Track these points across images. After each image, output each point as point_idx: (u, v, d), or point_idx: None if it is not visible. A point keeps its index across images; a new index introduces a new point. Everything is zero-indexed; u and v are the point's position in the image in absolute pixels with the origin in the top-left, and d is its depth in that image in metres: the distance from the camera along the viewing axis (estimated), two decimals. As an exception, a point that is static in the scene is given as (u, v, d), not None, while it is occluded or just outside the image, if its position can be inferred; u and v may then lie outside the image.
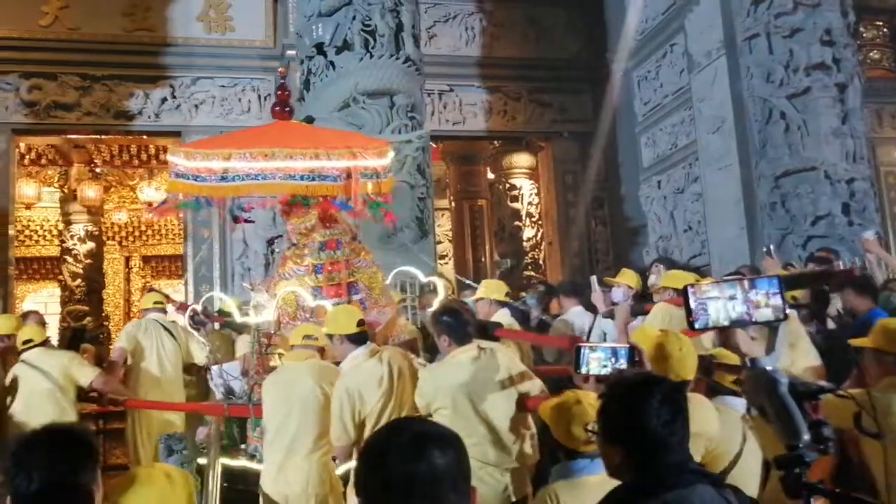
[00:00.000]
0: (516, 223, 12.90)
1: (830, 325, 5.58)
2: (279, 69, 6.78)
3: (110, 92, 10.24)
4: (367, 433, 3.68)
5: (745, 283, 1.96)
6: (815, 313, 5.35)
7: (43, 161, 14.33)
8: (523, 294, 7.28)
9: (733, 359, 3.00)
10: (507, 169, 13.08)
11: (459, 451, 1.47)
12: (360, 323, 4.03)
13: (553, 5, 11.42)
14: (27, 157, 13.53)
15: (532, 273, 12.42)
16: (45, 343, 5.99)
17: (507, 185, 13.09)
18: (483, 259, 13.88)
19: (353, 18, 7.66)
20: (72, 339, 6.90)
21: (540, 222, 12.77)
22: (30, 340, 5.79)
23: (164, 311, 6.75)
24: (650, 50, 10.72)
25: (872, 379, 3.23)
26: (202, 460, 4.81)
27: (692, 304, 1.96)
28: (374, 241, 7.42)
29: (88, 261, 14.21)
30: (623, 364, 2.71)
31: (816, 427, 1.81)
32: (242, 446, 4.72)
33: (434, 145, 10.29)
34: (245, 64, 10.55)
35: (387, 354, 3.98)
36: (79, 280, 13.99)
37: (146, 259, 17.44)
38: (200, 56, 10.43)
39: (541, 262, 12.67)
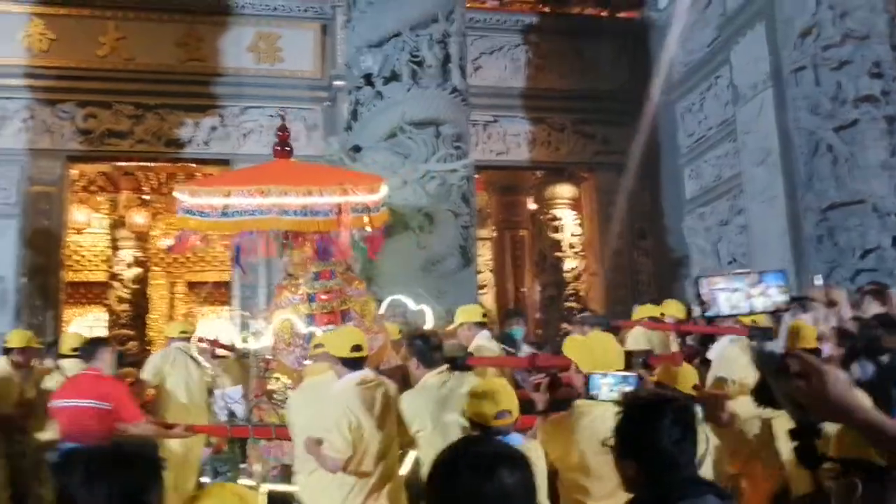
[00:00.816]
0: (557, 254, 12.86)
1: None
2: (280, 112, 7.05)
3: (162, 120, 10.52)
4: (367, 453, 3.73)
5: (753, 275, 2.10)
6: (868, 351, 5.26)
7: (93, 188, 14.71)
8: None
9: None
10: (550, 199, 13.08)
11: (527, 471, 1.47)
12: (357, 348, 3.91)
13: (598, 38, 11.51)
14: (78, 183, 13.89)
15: (573, 304, 12.35)
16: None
17: (550, 216, 13.08)
18: (524, 289, 13.86)
19: (402, 49, 7.77)
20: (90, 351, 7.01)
21: (582, 253, 12.73)
22: (76, 348, 5.93)
23: (189, 340, 6.83)
24: (695, 82, 10.72)
25: None
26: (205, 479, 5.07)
27: (704, 295, 2.08)
28: (416, 269, 7.49)
29: (135, 286, 14.51)
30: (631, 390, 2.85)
31: None
32: (242, 465, 4.94)
33: (476, 175, 10.36)
34: (293, 94, 10.76)
35: (375, 386, 3.91)
36: (125, 305, 14.28)
37: (191, 285, 17.71)
38: (250, 86, 10.70)
39: (582, 293, 12.60)
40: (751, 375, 4.15)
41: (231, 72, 10.68)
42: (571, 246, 12.93)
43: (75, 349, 5.97)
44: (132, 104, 10.46)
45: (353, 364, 3.91)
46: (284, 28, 10.90)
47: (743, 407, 3.66)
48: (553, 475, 3.20)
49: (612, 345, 3.34)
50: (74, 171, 12.39)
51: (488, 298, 14.00)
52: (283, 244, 5.45)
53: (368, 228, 5.32)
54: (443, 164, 7.70)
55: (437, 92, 7.78)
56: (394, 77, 7.80)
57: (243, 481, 4.60)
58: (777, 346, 2.19)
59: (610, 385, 2.89)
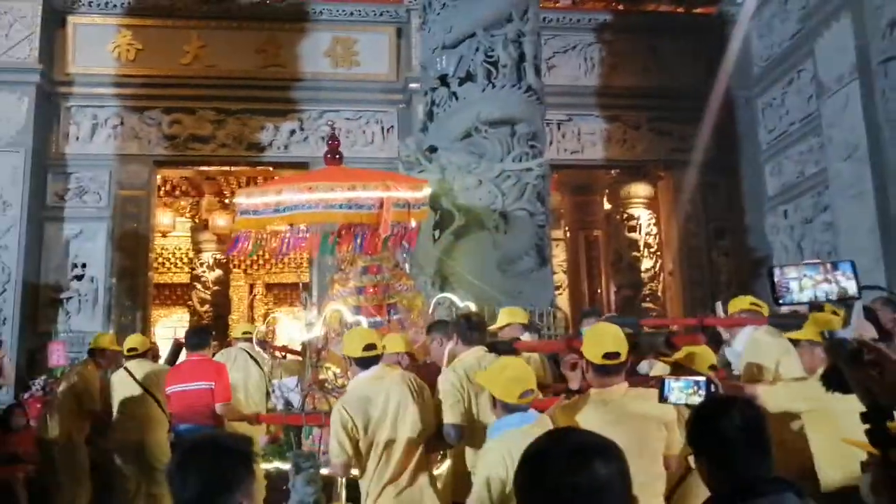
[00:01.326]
0: (634, 253, 12.68)
1: None
2: (329, 121, 7.80)
3: (243, 125, 10.84)
4: (366, 455, 3.70)
5: (825, 265, 2.21)
6: None
7: (177, 192, 15.23)
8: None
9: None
10: (625, 199, 12.91)
11: (622, 462, 1.45)
12: (370, 347, 3.92)
13: (673, 34, 11.33)
14: (163, 188, 14.40)
15: (651, 304, 12.17)
16: (146, 354, 6.56)
17: (625, 216, 12.91)
18: (599, 290, 13.71)
19: (477, 50, 7.80)
20: (173, 354, 7.35)
21: (658, 253, 12.53)
22: (134, 349, 6.41)
23: (251, 340, 7.07)
24: (776, 76, 10.45)
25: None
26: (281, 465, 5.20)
27: (777, 284, 2.21)
28: (491, 268, 7.49)
29: (216, 287, 14.94)
30: (703, 393, 2.87)
31: None
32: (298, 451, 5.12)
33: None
34: (369, 97, 10.96)
35: (389, 382, 3.86)
36: (206, 306, 14.72)
37: (269, 287, 18.13)
38: (327, 90, 10.93)
39: (659, 293, 12.40)
40: (779, 363, 4.20)
41: (309, 76, 10.93)
42: (647, 245, 12.74)
43: (131, 349, 6.43)
44: (214, 110, 10.82)
45: (365, 363, 3.92)
46: (360, 32, 11.10)
47: (772, 398, 3.59)
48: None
49: (609, 329, 3.41)
50: (160, 177, 12.89)
51: (563, 300, 13.89)
52: (334, 240, 5.66)
53: (413, 223, 5.72)
54: (518, 163, 7.70)
55: (512, 91, 7.78)
56: (469, 77, 7.83)
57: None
58: (847, 333, 2.23)
59: (681, 388, 2.93)
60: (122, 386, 6.36)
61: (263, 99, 10.86)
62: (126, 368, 6.40)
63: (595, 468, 1.39)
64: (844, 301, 2.25)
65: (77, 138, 10.64)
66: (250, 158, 11.00)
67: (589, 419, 3.12)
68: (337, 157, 6.10)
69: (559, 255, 15.26)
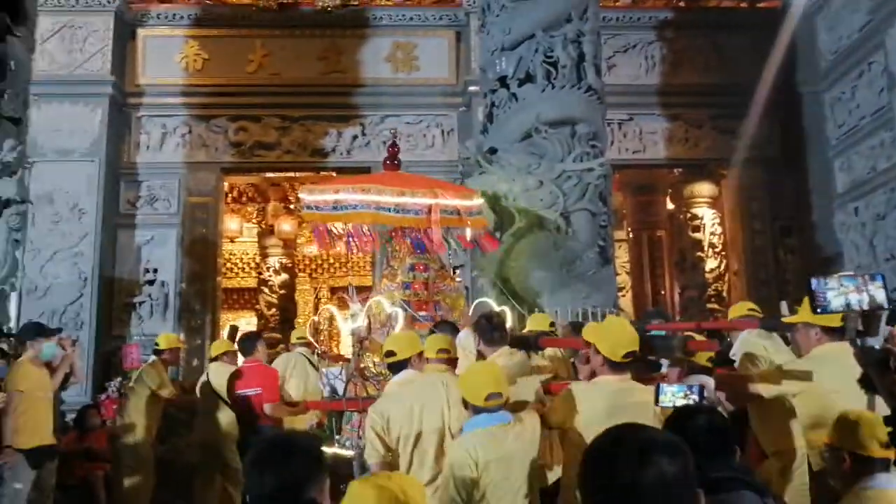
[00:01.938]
0: (698, 254, 12.47)
1: None
2: (392, 129, 8.12)
3: (307, 131, 11.05)
4: (401, 456, 3.69)
5: (863, 277, 2.49)
6: None
7: (244, 199, 15.59)
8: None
9: None
10: (688, 198, 12.70)
11: (687, 459, 1.43)
12: (389, 353, 3.96)
13: (736, 30, 11.11)
14: (230, 195, 14.75)
15: (715, 305, 11.94)
16: (219, 358, 7.03)
17: (689, 215, 12.71)
18: (663, 291, 13.51)
19: (536, 51, 7.82)
20: (230, 337, 7.76)
21: (723, 253, 12.30)
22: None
23: (308, 345, 7.47)
24: (844, 70, 10.16)
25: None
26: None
27: (816, 293, 2.52)
28: (553, 269, 7.48)
29: (282, 291, 15.24)
30: (695, 398, 3.08)
31: None
32: (337, 437, 5.38)
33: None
34: (429, 101, 11.05)
35: (421, 384, 3.85)
36: (273, 309, 15.02)
37: (333, 290, 18.38)
38: (388, 95, 11.05)
39: (724, 293, 12.17)
40: (769, 353, 4.38)
41: (370, 82, 11.07)
42: (712, 245, 12.51)
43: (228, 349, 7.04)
44: (279, 117, 11.05)
45: (394, 367, 3.98)
46: (420, 37, 11.20)
47: (765, 384, 3.69)
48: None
49: (627, 328, 3.61)
50: (227, 183, 13.21)
51: (626, 301, 13.74)
52: (386, 239, 6.21)
53: (468, 231, 6.20)
54: (579, 163, 7.68)
55: (572, 91, 7.77)
56: (528, 78, 7.85)
57: (336, 450, 5.12)
58: (878, 341, 2.51)
59: (674, 392, 3.14)
60: (203, 388, 6.89)
61: (326, 105, 11.05)
62: (206, 373, 7.00)
63: (660, 464, 1.38)
64: (874, 310, 2.51)
65: (147, 147, 10.99)
66: (314, 164, 11.20)
67: (590, 405, 3.35)
68: (395, 162, 6.50)
69: (622, 256, 15.09)
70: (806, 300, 3.64)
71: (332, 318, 6.59)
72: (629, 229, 14.42)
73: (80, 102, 10.55)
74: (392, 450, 3.66)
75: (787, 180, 11.16)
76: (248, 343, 6.52)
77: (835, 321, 3.39)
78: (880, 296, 2.45)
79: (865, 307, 2.48)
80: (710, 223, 12.54)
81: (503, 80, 7.98)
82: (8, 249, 7.47)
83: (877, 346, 2.43)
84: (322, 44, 11.17)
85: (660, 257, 13.77)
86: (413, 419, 3.68)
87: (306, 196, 5.93)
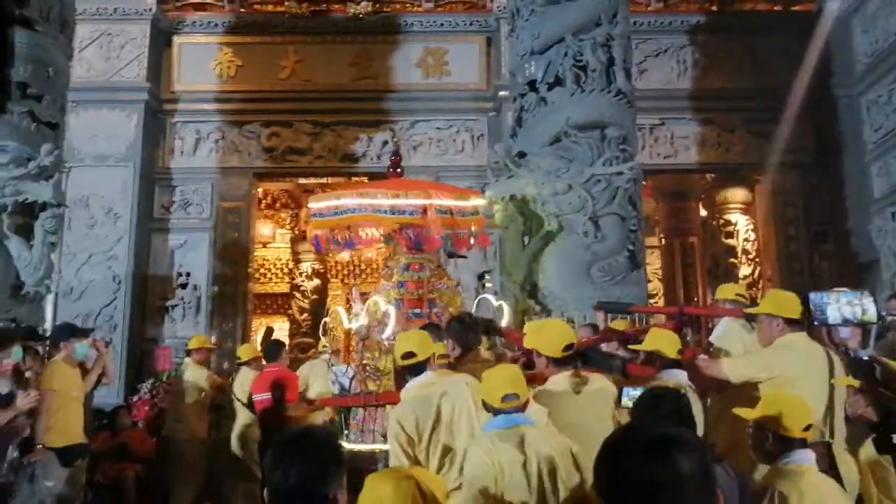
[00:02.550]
0: (731, 260, 12.32)
1: None
2: (394, 139, 8.74)
3: (338, 137, 11.14)
4: (431, 460, 3.59)
5: (856, 294, 2.91)
6: None
7: (277, 205, 15.71)
8: None
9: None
10: (721, 204, 12.57)
11: (705, 457, 1.40)
12: (408, 355, 3.73)
13: (770, 33, 10.97)
14: (264, 201, 14.89)
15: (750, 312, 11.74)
16: (250, 363, 7.32)
17: (722, 221, 12.56)
18: (695, 298, 13.34)
19: (565, 55, 7.78)
20: (265, 340, 7.96)
21: (757, 259, 12.13)
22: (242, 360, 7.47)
23: (335, 353, 7.52)
24: (881, 73, 9.98)
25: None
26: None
27: (814, 307, 2.92)
28: (582, 273, 7.43)
29: (314, 296, 15.32)
30: None
31: None
32: (345, 432, 5.56)
33: (643, 182, 10.11)
34: (459, 106, 11.08)
35: (443, 386, 3.71)
36: (305, 314, 15.11)
37: (364, 295, 18.36)
38: (418, 100, 11.10)
39: (758, 300, 11.94)
40: (744, 349, 4.45)
41: (401, 87, 11.13)
42: (745, 252, 12.36)
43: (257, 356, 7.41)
44: (311, 122, 11.15)
45: (411, 371, 3.77)
46: (451, 43, 11.24)
47: (734, 370, 3.81)
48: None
49: (560, 324, 3.89)
50: (260, 190, 13.34)
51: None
52: (388, 240, 6.44)
53: (474, 228, 6.48)
54: (608, 166, 7.61)
55: (602, 95, 7.71)
56: (557, 82, 7.81)
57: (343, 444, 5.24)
58: (868, 352, 2.92)
59: (633, 397, 3.31)
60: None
61: (357, 111, 11.13)
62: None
63: (676, 462, 1.34)
64: (866, 324, 2.88)
65: (181, 153, 11.15)
66: (345, 169, 11.27)
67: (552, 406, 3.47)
68: (398, 170, 6.90)
69: (654, 263, 14.95)
70: (770, 294, 4.00)
71: (339, 319, 6.76)
72: (661, 236, 14.28)
73: (117, 109, 10.75)
74: (416, 457, 3.56)
75: (823, 185, 11.00)
76: (270, 350, 7.03)
77: (795, 313, 3.58)
78: (872, 311, 2.81)
79: (858, 320, 2.84)
80: (743, 229, 12.40)
81: (532, 84, 7.95)
82: (44, 252, 7.62)
83: (865, 357, 2.84)
84: (353, 50, 11.27)
85: (692, 264, 13.60)
86: (442, 421, 3.60)
87: (313, 204, 6.38)
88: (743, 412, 3.02)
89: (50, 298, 9.05)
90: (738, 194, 12.39)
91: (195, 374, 7.32)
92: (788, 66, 10.56)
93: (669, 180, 13.08)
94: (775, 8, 11.44)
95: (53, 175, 7.58)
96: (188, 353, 7.67)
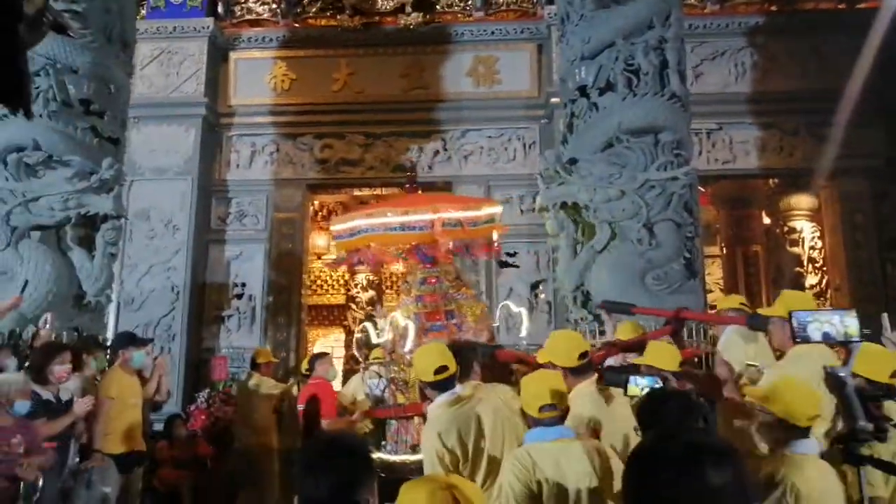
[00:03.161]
0: (797, 269, 11.92)
1: None
2: (409, 159, 9.29)
3: (389, 147, 11.18)
4: (476, 475, 3.44)
5: (837, 313, 2.96)
6: None
7: (333, 217, 15.81)
8: None
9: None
10: (785, 211, 12.19)
11: (739, 467, 1.33)
12: (441, 369, 3.56)
13: (833, 32, 10.57)
14: (320, 213, 15.03)
15: (816, 323, 11.33)
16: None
17: (786, 229, 12.17)
18: (759, 309, 12.93)
19: (616, 59, 7.64)
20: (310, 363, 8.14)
21: (824, 268, 11.70)
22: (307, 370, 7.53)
23: (383, 365, 7.75)
24: (957, 71, 9.52)
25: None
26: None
27: (795, 326, 2.96)
28: (637, 281, 7.25)
29: (369, 308, 15.33)
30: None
31: (877, 421, 2.78)
32: (382, 442, 5.73)
33: (702, 189, 9.85)
34: (510, 114, 11.00)
35: (480, 399, 3.59)
36: (362, 326, 15.10)
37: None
38: (469, 109, 11.07)
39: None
40: (745, 360, 4.44)
41: (451, 97, 11.11)
42: (812, 260, 11.95)
43: (307, 370, 7.55)
44: (363, 134, 11.23)
45: (439, 386, 3.59)
46: (501, 51, 11.18)
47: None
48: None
49: (570, 334, 3.98)
50: (316, 203, 13.49)
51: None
52: (401, 256, 6.71)
53: (495, 237, 6.67)
54: (663, 172, 7.43)
55: (655, 99, 7.53)
56: (609, 87, 7.68)
57: (381, 455, 5.51)
58: (846, 370, 2.94)
59: (642, 385, 3.39)
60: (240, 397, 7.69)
61: (408, 121, 11.15)
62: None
63: (708, 473, 1.28)
64: (847, 343, 2.98)
65: (237, 165, 11.34)
66: (396, 180, 11.28)
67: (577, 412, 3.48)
68: (414, 186, 7.31)
69: (715, 273, 14.58)
70: (782, 294, 4.01)
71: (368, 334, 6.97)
72: (722, 245, 13.92)
73: (175, 123, 10.99)
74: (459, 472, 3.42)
75: (893, 190, 10.54)
76: (312, 362, 7.17)
77: None
78: (854, 328, 2.87)
79: (840, 339, 2.93)
80: (809, 237, 11.99)
81: (583, 90, 7.82)
82: (104, 263, 7.80)
83: (842, 374, 2.90)
84: (405, 61, 11.31)
85: (755, 274, 13.21)
86: (486, 435, 3.47)
87: (334, 227, 6.74)
88: (755, 394, 3.13)
89: (112, 308, 9.30)
90: (802, 201, 12.00)
91: (265, 385, 7.62)
92: (854, 66, 10.16)
93: (730, 187, 12.75)
94: (839, 6, 11.03)
95: (114, 188, 7.76)
96: (254, 365, 7.90)
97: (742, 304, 4.98)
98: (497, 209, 6.75)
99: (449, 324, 6.04)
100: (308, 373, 7.77)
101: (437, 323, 6.03)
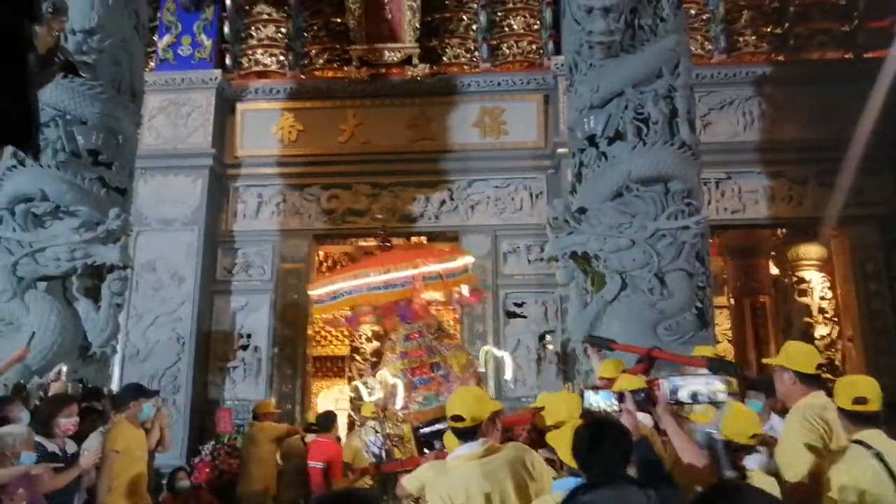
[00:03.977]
0: (806, 319, 11.77)
1: None
2: (382, 227, 9.52)
3: (396, 197, 11.17)
4: None
5: (706, 376, 3.47)
6: None
7: (338, 268, 15.76)
8: None
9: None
10: (794, 261, 12.10)
11: None
12: (457, 418, 3.33)
13: (842, 82, 10.61)
14: (325, 263, 14.97)
15: (828, 375, 11.15)
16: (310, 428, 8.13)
17: (795, 279, 12.07)
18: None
19: (626, 108, 7.62)
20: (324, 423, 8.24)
21: (835, 318, 11.56)
22: (313, 424, 8.20)
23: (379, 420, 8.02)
24: (962, 120, 9.52)
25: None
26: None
27: (666, 386, 3.43)
28: (648, 332, 7.12)
29: (374, 359, 15.16)
30: (615, 407, 3.60)
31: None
32: (385, 497, 5.64)
33: (711, 239, 9.79)
34: (517, 165, 11.01)
35: (495, 463, 3.27)
36: (353, 385, 14.93)
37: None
38: (476, 160, 11.09)
39: (837, 362, 11.38)
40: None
41: (458, 147, 11.14)
42: (822, 311, 11.81)
43: (313, 423, 8.14)
44: (369, 184, 11.23)
45: (462, 434, 3.35)
46: (508, 102, 11.24)
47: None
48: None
49: (565, 395, 3.94)
50: (322, 253, 13.43)
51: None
52: (378, 316, 6.98)
53: (466, 291, 6.91)
54: (673, 220, 7.35)
55: (665, 148, 7.49)
56: (618, 136, 7.64)
57: None
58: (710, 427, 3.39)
59: (598, 400, 3.60)
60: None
61: (415, 171, 11.17)
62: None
63: None
64: (716, 403, 3.44)
65: (244, 216, 11.32)
66: (402, 229, 11.27)
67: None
68: (388, 244, 7.85)
69: (723, 324, 14.45)
70: (786, 345, 3.95)
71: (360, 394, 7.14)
72: (730, 295, 13.81)
73: (182, 174, 11.01)
74: None
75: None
76: (323, 420, 7.59)
77: (810, 367, 3.65)
78: (720, 390, 3.34)
79: (706, 401, 3.36)
80: (818, 287, 11.87)
81: (592, 139, 7.80)
82: (110, 313, 7.72)
83: (712, 432, 3.30)
84: (411, 112, 11.36)
85: (764, 324, 13.08)
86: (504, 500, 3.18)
87: (312, 292, 6.87)
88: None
89: (117, 359, 9.19)
90: (811, 250, 11.92)
91: (266, 430, 8.17)
92: (860, 115, 10.18)
93: (737, 237, 12.69)
94: (846, 55, 11.11)
95: (120, 238, 7.71)
96: (255, 416, 8.30)
97: (716, 354, 5.10)
98: (469, 259, 7.02)
99: (435, 376, 6.20)
100: (315, 426, 7.91)
101: (423, 377, 6.18)
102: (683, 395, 3.36)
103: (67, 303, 7.52)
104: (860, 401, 3.32)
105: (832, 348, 11.57)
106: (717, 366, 4.49)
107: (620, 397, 3.51)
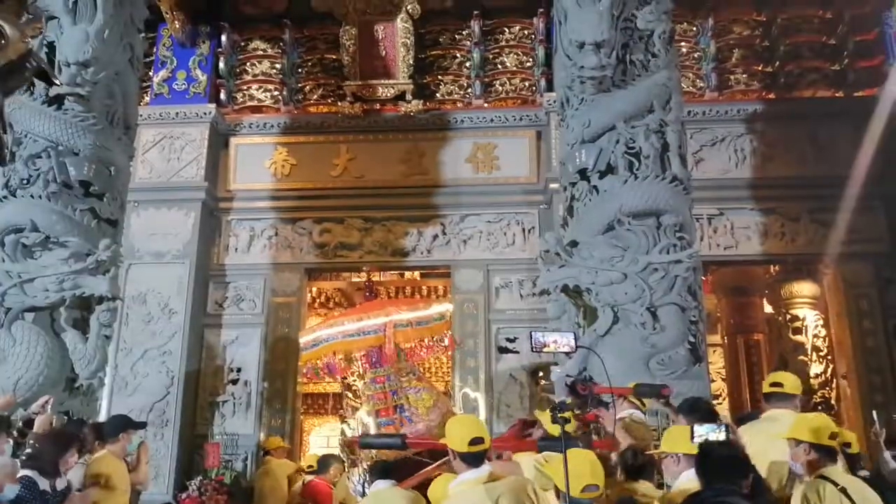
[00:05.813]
0: (801, 358, 11.72)
1: None
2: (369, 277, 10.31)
3: (388, 232, 11.15)
4: None
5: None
6: None
7: (331, 304, 15.71)
8: None
9: None
10: (788, 299, 12.09)
11: None
12: (477, 441, 3.39)
13: (833, 120, 10.69)
14: (318, 300, 14.91)
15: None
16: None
17: (788, 317, 12.04)
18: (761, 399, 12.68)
19: (617, 142, 7.65)
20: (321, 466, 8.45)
21: (829, 356, 11.51)
22: (311, 466, 8.57)
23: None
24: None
25: None
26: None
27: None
28: (640, 367, 7.07)
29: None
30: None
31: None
32: None
33: (703, 277, 9.77)
34: (510, 199, 11.03)
35: (500, 489, 3.31)
36: (341, 429, 14.77)
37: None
38: (468, 195, 11.10)
39: (832, 401, 11.30)
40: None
41: (450, 182, 11.15)
42: (816, 349, 11.77)
43: (311, 466, 8.51)
44: (362, 218, 11.21)
45: (472, 459, 3.40)
46: (500, 137, 11.28)
47: None
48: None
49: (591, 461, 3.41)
50: (315, 288, 13.38)
51: (722, 409, 12.94)
52: (349, 361, 7.67)
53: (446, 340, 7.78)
54: (665, 254, 7.33)
55: (656, 182, 7.50)
56: (609, 170, 7.66)
57: None
58: None
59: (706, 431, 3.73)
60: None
61: (407, 206, 11.15)
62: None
63: None
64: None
65: (236, 249, 11.27)
66: (394, 264, 11.23)
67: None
68: (372, 294, 8.87)
69: (716, 362, 14.38)
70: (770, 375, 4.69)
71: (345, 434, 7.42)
72: (723, 333, 13.77)
73: (175, 208, 10.99)
74: None
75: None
76: (320, 463, 7.93)
77: (822, 437, 3.82)
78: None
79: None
80: (812, 324, 11.84)
81: (583, 173, 7.80)
82: (98, 345, 7.64)
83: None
84: (404, 147, 11.39)
85: (758, 363, 13.04)
86: None
87: (301, 339, 7.54)
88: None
89: (105, 392, 9.07)
90: (805, 288, 11.91)
91: (282, 465, 8.81)
92: (855, 153, 10.24)
93: (731, 275, 12.70)
94: (837, 94, 11.21)
95: (110, 269, 7.65)
96: (266, 452, 9.12)
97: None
98: (447, 307, 7.65)
99: (400, 417, 6.69)
100: (312, 470, 8.08)
101: (386, 418, 6.74)
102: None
103: (55, 334, 7.43)
104: (833, 436, 3.81)
105: (826, 386, 11.50)
106: (642, 390, 5.39)
107: (727, 427, 3.80)
